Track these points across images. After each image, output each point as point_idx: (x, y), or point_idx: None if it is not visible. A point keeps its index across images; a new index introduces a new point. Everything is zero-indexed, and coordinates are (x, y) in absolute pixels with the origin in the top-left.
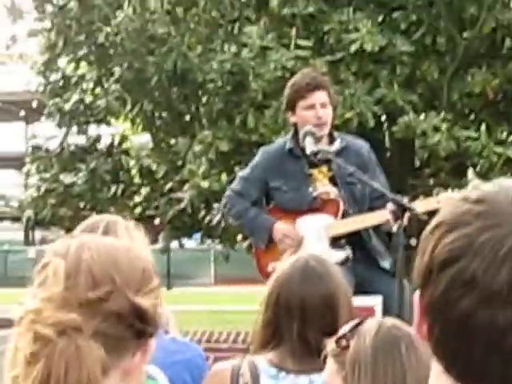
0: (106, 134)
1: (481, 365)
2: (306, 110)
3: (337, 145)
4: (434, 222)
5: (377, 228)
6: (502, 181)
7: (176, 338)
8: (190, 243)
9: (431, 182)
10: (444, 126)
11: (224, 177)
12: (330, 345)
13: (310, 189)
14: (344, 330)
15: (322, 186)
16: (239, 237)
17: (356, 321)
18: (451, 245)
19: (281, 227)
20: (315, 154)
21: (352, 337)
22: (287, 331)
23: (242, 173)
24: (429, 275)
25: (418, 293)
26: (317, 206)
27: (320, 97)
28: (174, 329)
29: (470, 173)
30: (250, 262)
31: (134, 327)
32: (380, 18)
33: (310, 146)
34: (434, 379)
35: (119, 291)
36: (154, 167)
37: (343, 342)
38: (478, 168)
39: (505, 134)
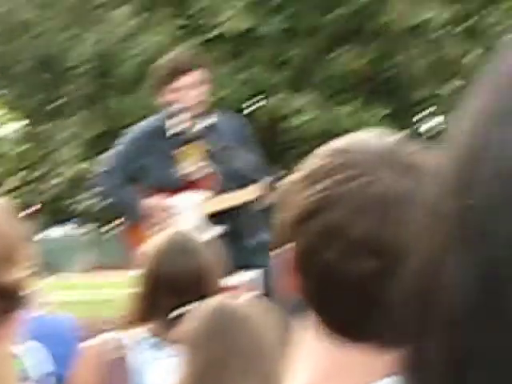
0: None
1: (348, 313)
2: (171, 93)
3: (210, 120)
4: (295, 175)
5: (251, 203)
6: (361, 133)
7: (47, 314)
8: (58, 231)
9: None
10: (311, 107)
11: (91, 163)
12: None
13: (182, 166)
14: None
15: (195, 162)
16: (111, 223)
17: (192, 305)
18: (314, 196)
19: (150, 200)
20: (178, 134)
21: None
22: (161, 305)
23: (111, 152)
24: (293, 228)
25: (283, 247)
26: (189, 183)
27: (187, 79)
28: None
29: None
30: (119, 249)
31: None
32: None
33: (173, 127)
34: (306, 330)
35: None
36: (25, 154)
37: (183, 327)
38: None
39: (374, 113)
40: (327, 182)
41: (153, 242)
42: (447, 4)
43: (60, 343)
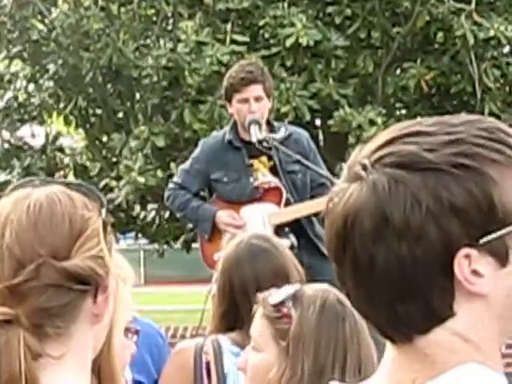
0: (41, 131)
1: None
2: (240, 104)
3: (281, 133)
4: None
5: (318, 215)
6: None
7: (137, 318)
8: (121, 243)
9: None
10: (379, 120)
11: (160, 173)
12: (265, 305)
13: (251, 179)
14: (281, 296)
15: (263, 175)
16: (172, 236)
17: (292, 288)
18: None
19: (223, 214)
20: (260, 141)
21: (293, 307)
22: (247, 314)
23: (183, 165)
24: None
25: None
26: (259, 195)
27: (254, 91)
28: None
29: None
30: (179, 263)
31: (74, 290)
32: (314, 13)
33: (255, 134)
34: None
35: (46, 264)
36: (88, 164)
37: (285, 309)
38: None
39: None
40: None
41: (227, 250)
42: None
43: (142, 349)
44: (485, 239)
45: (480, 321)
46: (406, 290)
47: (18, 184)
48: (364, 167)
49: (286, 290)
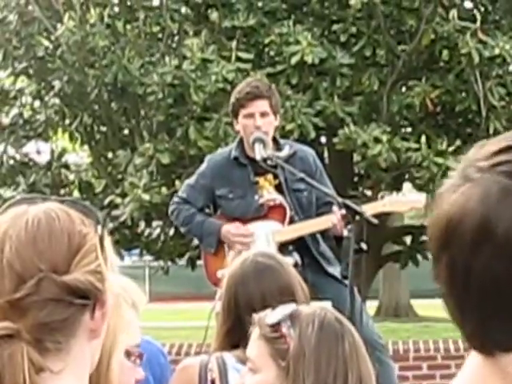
0: (46, 148)
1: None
2: (245, 119)
3: (286, 151)
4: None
5: (323, 233)
6: None
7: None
8: (126, 260)
9: (369, 193)
10: (385, 138)
11: (165, 190)
12: (262, 326)
13: (256, 196)
14: (277, 316)
15: (268, 193)
16: (177, 253)
17: (288, 308)
18: None
19: (229, 226)
20: (265, 159)
21: (291, 326)
22: (246, 330)
23: (188, 180)
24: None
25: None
26: (263, 213)
27: (259, 106)
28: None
29: (405, 187)
30: (184, 279)
31: (74, 304)
32: (320, 31)
33: (260, 152)
34: None
35: (47, 278)
36: (93, 181)
37: (283, 329)
38: (418, 179)
39: (444, 145)
40: None
41: (232, 267)
42: None
43: (143, 367)
44: None
45: None
46: (497, 307)
47: (14, 201)
48: (478, 170)
49: (283, 310)
